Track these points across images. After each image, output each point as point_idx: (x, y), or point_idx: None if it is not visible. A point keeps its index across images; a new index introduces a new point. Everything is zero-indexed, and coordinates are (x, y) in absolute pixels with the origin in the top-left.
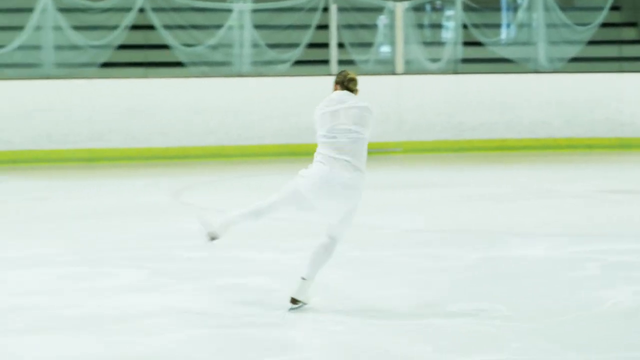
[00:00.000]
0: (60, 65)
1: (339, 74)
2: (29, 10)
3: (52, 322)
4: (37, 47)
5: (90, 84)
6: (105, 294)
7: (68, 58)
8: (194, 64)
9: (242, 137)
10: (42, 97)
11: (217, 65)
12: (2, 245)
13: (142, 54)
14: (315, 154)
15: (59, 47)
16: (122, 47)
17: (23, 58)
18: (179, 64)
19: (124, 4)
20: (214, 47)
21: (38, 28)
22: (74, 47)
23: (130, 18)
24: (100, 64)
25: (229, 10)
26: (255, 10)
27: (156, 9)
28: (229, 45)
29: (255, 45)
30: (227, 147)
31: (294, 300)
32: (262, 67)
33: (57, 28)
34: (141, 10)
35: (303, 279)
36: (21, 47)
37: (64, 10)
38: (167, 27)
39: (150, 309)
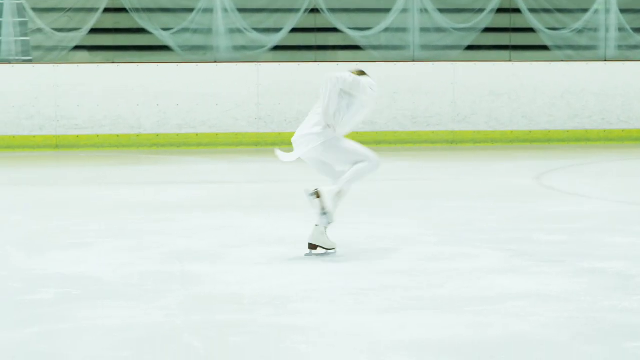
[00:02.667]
0: (425, 47)
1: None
2: None
3: (412, 302)
4: (403, 30)
5: (454, 66)
6: (465, 276)
7: (433, 40)
8: (559, 47)
9: (606, 122)
10: (406, 78)
11: (582, 49)
12: (368, 223)
13: (507, 37)
14: None
15: (424, 30)
16: (487, 30)
17: (388, 40)
18: (543, 47)
19: None
20: (580, 31)
21: (405, 10)
22: (439, 30)
23: (496, 1)
24: (465, 46)
25: None
26: None
27: None
28: (595, 29)
29: (621, 30)
30: (590, 131)
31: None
32: (627, 52)
33: (423, 11)
34: None
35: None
36: (387, 29)
37: None
38: (533, 10)
39: (510, 291)
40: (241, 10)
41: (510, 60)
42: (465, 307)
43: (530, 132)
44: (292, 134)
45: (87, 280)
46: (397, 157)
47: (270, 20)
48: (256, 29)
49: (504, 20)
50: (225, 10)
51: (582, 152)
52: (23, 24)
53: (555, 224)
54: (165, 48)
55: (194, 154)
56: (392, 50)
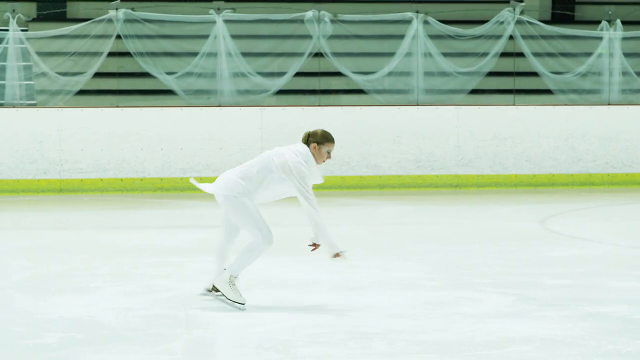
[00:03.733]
0: (428, 91)
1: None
2: (400, 37)
3: (416, 347)
4: (406, 74)
5: (458, 110)
6: (470, 320)
7: (437, 84)
8: (562, 91)
9: (610, 166)
10: (410, 122)
11: (586, 93)
12: (372, 267)
13: (511, 81)
14: None
15: (428, 74)
16: (491, 74)
17: (392, 84)
18: (547, 92)
19: (494, 31)
20: (583, 75)
21: (408, 54)
22: (443, 74)
23: (500, 45)
24: (468, 90)
25: (599, 38)
26: (625, 38)
27: (525, 37)
28: (598, 73)
29: (624, 73)
30: (594, 175)
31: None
32: (631, 96)
33: (427, 55)
34: (510, 37)
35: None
36: (391, 73)
37: (435, 37)
38: (536, 54)
39: (514, 335)
40: (245, 55)
41: (514, 104)
42: (469, 352)
43: (534, 176)
44: None
45: (91, 324)
46: (401, 201)
47: (274, 65)
48: (260, 73)
49: (508, 65)
50: (229, 54)
51: (586, 196)
52: (27, 68)
53: (559, 268)
54: (169, 92)
55: (198, 197)
56: (396, 94)
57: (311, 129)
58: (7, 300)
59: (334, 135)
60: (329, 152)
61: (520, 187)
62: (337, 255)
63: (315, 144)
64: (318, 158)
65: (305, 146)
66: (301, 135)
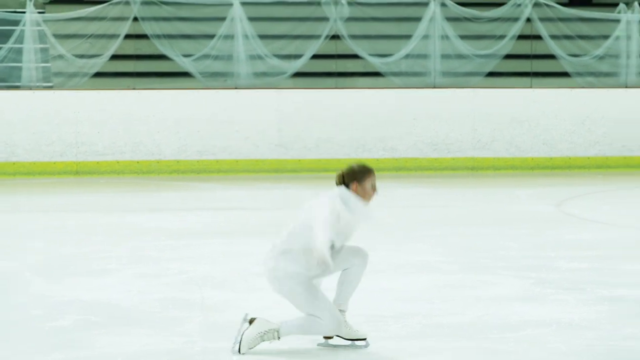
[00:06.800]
0: (445, 74)
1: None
2: (417, 19)
3: (432, 330)
4: (423, 56)
5: (474, 93)
6: (486, 303)
7: (453, 67)
8: (580, 74)
9: (626, 149)
10: (427, 105)
11: (603, 76)
12: (388, 250)
13: (528, 64)
14: None
15: (445, 56)
16: (508, 56)
17: (409, 67)
18: (564, 74)
19: (511, 13)
20: (601, 58)
21: (425, 37)
22: (460, 57)
23: (517, 27)
24: (485, 73)
25: (617, 21)
26: None
27: (543, 19)
28: (616, 56)
29: None
30: (611, 158)
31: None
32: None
33: (444, 37)
34: (528, 19)
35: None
36: (408, 56)
37: (452, 19)
38: (554, 37)
39: (530, 319)
40: (262, 37)
41: (531, 87)
42: (485, 335)
43: (551, 159)
44: (312, 161)
45: (106, 306)
46: (417, 184)
47: (291, 47)
48: (277, 56)
49: (525, 47)
50: (246, 36)
51: (603, 179)
52: (44, 51)
53: (575, 251)
54: (186, 74)
55: (214, 180)
56: (413, 76)
57: (343, 169)
58: (23, 283)
59: (351, 122)
60: (373, 186)
61: (536, 170)
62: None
63: (355, 184)
64: (365, 197)
65: (344, 189)
66: (318, 117)
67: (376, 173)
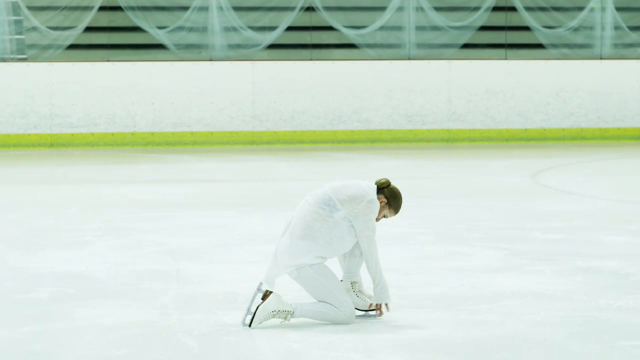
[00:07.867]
0: (420, 45)
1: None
2: None
3: (407, 301)
4: (398, 28)
5: (449, 64)
6: (461, 274)
7: (428, 39)
8: (554, 45)
9: (602, 120)
10: (402, 76)
11: (578, 48)
12: None
13: (502, 35)
14: None
15: (420, 28)
16: (483, 28)
17: (383, 38)
18: (539, 46)
19: None
20: (575, 29)
21: (400, 9)
22: (435, 28)
23: None
24: (460, 45)
25: None
26: None
27: None
28: (590, 27)
29: (617, 28)
30: (586, 129)
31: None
32: (623, 50)
33: (419, 9)
34: None
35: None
36: (383, 28)
37: None
38: (528, 8)
39: (506, 290)
40: (236, 9)
41: (505, 59)
42: (461, 306)
43: (526, 130)
44: (287, 133)
45: (82, 279)
46: (392, 156)
47: (265, 19)
48: (251, 27)
49: (500, 19)
50: (220, 8)
51: (578, 150)
52: (18, 22)
53: (550, 222)
54: (160, 46)
55: (189, 152)
56: (388, 48)
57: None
58: None
59: (326, 93)
60: (385, 217)
61: (511, 142)
62: (378, 307)
63: (384, 199)
64: (378, 215)
65: (376, 196)
66: (293, 89)
67: (351, 145)
